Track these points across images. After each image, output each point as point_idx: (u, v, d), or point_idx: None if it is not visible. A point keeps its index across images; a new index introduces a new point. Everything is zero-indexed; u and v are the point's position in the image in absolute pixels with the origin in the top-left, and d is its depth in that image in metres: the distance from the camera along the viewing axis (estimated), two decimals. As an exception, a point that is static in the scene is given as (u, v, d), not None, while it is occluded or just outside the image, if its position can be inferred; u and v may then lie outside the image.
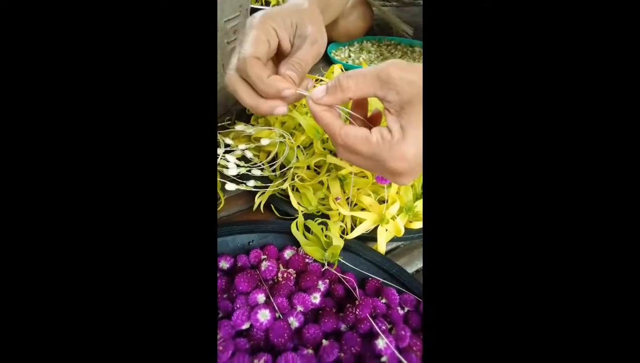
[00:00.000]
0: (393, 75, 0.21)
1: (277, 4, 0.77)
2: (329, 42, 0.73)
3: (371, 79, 0.22)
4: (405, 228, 0.37)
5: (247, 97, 0.26)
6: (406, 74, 0.21)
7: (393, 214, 0.35)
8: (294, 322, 0.27)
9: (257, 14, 0.27)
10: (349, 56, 0.71)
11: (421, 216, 0.37)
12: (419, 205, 0.37)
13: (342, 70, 0.54)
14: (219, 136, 0.42)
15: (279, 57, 0.28)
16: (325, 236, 0.32)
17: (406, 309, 0.30)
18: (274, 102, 0.26)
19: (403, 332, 0.26)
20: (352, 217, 0.37)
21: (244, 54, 0.25)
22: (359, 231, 0.35)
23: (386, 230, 0.35)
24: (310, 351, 0.25)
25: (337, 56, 0.71)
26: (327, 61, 0.69)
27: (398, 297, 0.30)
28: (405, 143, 0.21)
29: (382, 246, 0.35)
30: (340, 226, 0.35)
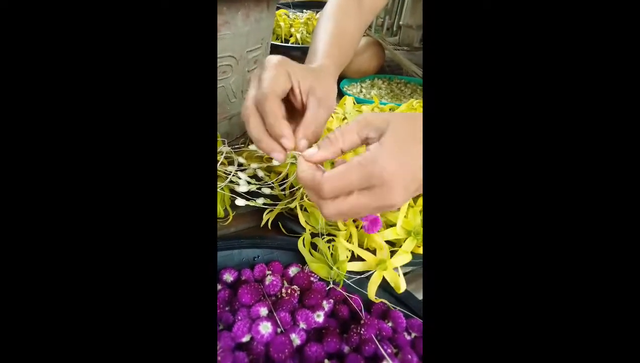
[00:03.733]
0: (369, 118, 0.25)
1: (296, 41, 0.83)
2: (342, 78, 0.77)
3: (352, 126, 0.25)
4: (413, 253, 0.36)
5: (254, 129, 0.27)
6: (380, 115, 0.25)
7: (397, 266, 0.32)
8: (296, 338, 0.26)
9: (274, 58, 0.29)
10: (361, 91, 0.75)
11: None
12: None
13: (354, 102, 0.57)
14: (233, 155, 0.43)
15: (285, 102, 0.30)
16: (332, 254, 0.32)
17: (413, 335, 0.28)
18: (275, 145, 0.27)
19: (409, 357, 0.25)
20: (359, 238, 0.37)
21: (265, 89, 0.27)
22: (354, 267, 0.33)
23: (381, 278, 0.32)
24: (311, 370, 0.24)
25: (349, 90, 0.74)
26: (339, 95, 0.73)
27: (405, 322, 0.29)
28: (384, 148, 0.23)
29: (372, 295, 0.31)
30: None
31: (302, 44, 0.82)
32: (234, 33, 0.44)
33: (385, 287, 0.32)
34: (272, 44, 0.57)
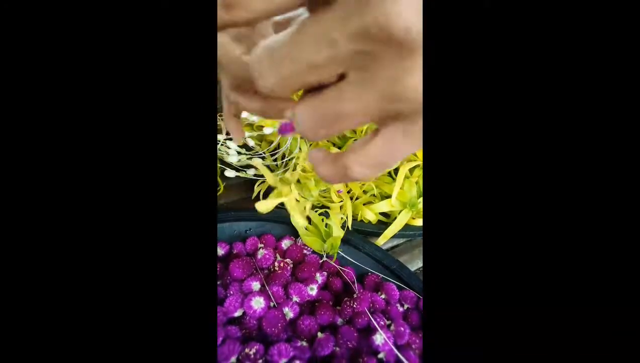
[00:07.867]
0: None
1: None
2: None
3: None
4: (408, 225, 0.36)
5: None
6: None
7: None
8: (289, 312, 0.26)
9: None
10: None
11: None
12: (422, 202, 0.36)
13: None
14: (221, 123, 0.41)
15: None
16: (326, 226, 0.31)
17: (406, 306, 0.29)
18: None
19: (402, 329, 0.25)
20: (353, 210, 0.36)
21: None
22: (381, 207, 0.36)
23: (413, 218, 0.36)
24: (305, 343, 0.24)
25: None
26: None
27: (398, 293, 0.29)
28: None
29: (387, 236, 0.35)
30: (341, 218, 0.34)
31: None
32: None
33: (377, 258, 0.32)
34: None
